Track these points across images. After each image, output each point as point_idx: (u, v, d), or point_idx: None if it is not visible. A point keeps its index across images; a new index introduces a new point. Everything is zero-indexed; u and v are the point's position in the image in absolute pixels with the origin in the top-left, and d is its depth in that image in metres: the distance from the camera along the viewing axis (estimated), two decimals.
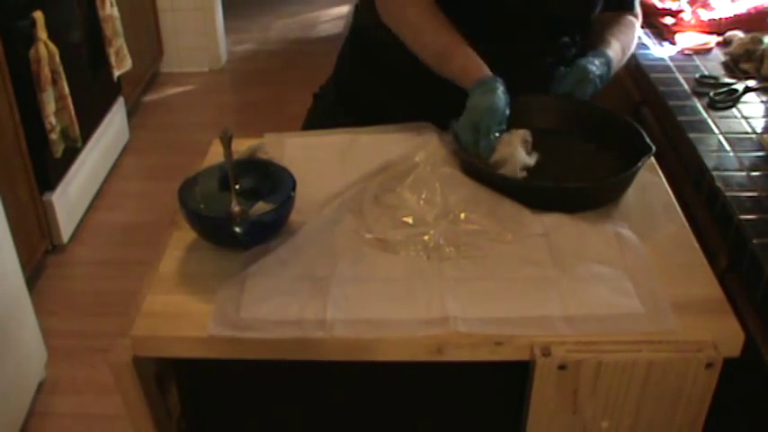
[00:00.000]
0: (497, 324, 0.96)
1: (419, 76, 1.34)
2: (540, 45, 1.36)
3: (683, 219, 1.16)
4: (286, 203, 1.09)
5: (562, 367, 0.93)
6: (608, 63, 1.32)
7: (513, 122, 1.23)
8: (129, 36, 3.16)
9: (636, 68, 1.78)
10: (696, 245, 1.10)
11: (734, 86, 1.61)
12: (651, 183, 1.23)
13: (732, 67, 1.73)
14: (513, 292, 1.01)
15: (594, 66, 1.30)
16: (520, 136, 1.20)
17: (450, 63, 1.27)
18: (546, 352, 0.93)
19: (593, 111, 1.30)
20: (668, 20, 1.90)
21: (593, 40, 1.39)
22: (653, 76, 1.70)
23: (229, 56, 4.26)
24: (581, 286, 1.01)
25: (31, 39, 2.37)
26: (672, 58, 1.78)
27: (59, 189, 2.64)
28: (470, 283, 1.02)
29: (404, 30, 1.32)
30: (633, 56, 1.59)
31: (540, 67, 1.37)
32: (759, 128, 1.48)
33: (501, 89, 1.21)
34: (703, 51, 1.80)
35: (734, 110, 1.55)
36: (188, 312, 0.99)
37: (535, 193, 1.15)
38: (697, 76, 1.67)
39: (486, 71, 1.24)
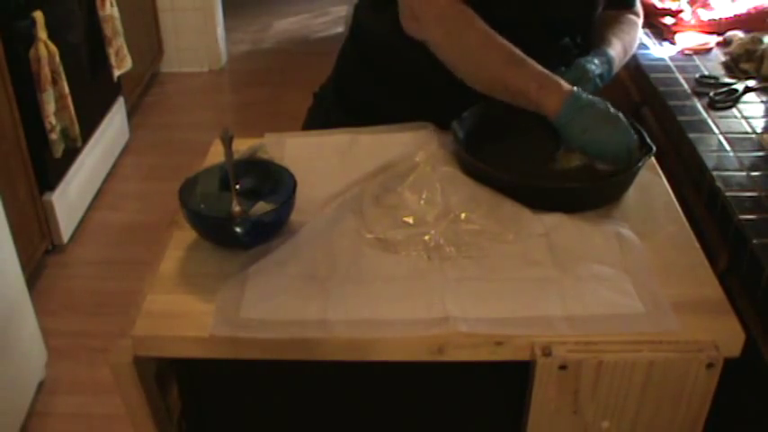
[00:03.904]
0: (498, 324, 0.96)
1: (419, 77, 1.33)
2: (540, 47, 1.36)
3: (683, 219, 1.16)
4: (287, 203, 1.09)
5: (563, 367, 0.93)
6: (609, 62, 1.32)
7: (512, 122, 1.23)
8: (129, 36, 3.16)
9: (636, 68, 1.78)
10: (696, 245, 1.10)
11: (734, 86, 1.61)
12: (651, 183, 1.23)
13: (732, 67, 1.73)
14: (514, 292, 1.01)
15: (594, 65, 1.30)
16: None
17: (526, 66, 1.23)
18: (546, 352, 0.93)
19: None
20: (668, 20, 1.90)
21: (595, 39, 1.38)
22: (653, 76, 1.70)
23: (229, 56, 4.26)
24: (581, 286, 1.01)
25: (31, 39, 2.37)
26: (672, 58, 1.78)
27: (59, 189, 2.64)
28: (471, 283, 1.02)
29: (471, 32, 1.26)
30: (633, 56, 1.59)
31: None
32: (759, 128, 1.48)
33: None
34: (703, 51, 1.80)
35: (734, 110, 1.55)
36: (188, 312, 0.99)
37: (535, 193, 1.15)
38: (697, 76, 1.67)
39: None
